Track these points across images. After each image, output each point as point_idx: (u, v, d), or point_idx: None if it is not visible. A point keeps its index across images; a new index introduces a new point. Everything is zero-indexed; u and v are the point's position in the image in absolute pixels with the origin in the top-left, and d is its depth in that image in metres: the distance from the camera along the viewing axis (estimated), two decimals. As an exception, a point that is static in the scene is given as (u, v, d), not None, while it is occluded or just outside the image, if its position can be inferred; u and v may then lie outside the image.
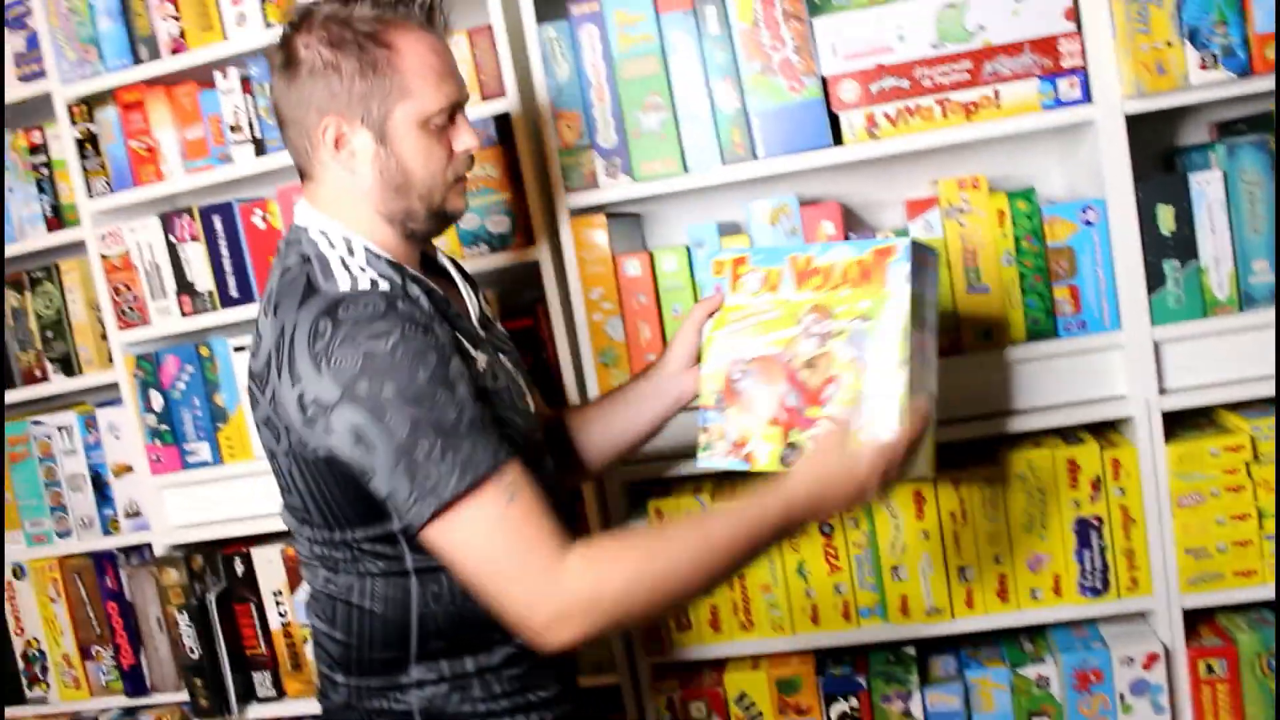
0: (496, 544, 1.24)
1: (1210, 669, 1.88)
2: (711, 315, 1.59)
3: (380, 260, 1.36)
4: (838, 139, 1.87)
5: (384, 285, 1.31)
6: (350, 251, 1.36)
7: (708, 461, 1.57)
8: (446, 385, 1.25)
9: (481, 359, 1.38)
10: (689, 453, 1.97)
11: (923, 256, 1.46)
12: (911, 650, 1.99)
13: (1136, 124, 1.84)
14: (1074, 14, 1.80)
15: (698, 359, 1.61)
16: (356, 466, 1.26)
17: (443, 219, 1.43)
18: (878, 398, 1.41)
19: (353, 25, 1.34)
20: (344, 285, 1.30)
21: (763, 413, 1.51)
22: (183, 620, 2.10)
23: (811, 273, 1.51)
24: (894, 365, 1.41)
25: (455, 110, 1.40)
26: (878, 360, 1.42)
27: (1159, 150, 2.04)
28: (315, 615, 1.46)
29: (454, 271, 1.53)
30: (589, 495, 2.00)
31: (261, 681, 2.15)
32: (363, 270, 1.33)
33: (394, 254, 1.40)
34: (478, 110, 1.97)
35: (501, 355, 1.48)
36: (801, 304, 1.51)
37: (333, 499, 1.32)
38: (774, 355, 1.51)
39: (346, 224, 1.38)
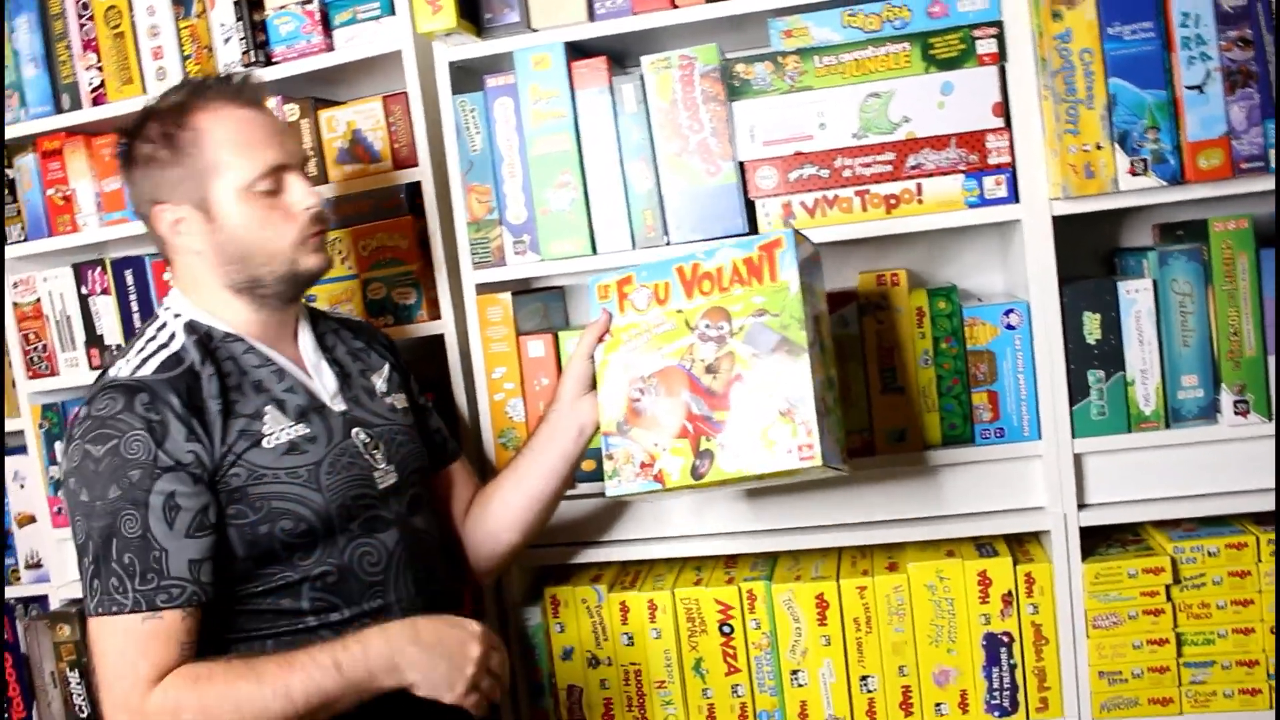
0: (109, 658, 1.33)
1: (1118, 799, 1.79)
2: (601, 340, 1.59)
3: (194, 334, 1.45)
4: (753, 226, 1.80)
5: (150, 369, 1.40)
6: (171, 331, 1.45)
7: (618, 489, 1.54)
8: (136, 506, 1.32)
9: (288, 433, 1.44)
10: (588, 540, 1.93)
11: (806, 247, 1.51)
12: (811, 758, 1.91)
13: (1076, 221, 1.76)
14: (1003, 110, 1.73)
15: (593, 386, 1.59)
16: None
17: (296, 280, 1.49)
18: (786, 385, 1.43)
19: (162, 116, 1.44)
20: (114, 371, 1.41)
21: (668, 427, 1.50)
22: (74, 677, 2.06)
23: (701, 279, 1.52)
24: (798, 352, 1.43)
25: (283, 172, 1.46)
26: (780, 350, 1.44)
27: (1103, 249, 1.96)
28: None
29: (307, 347, 1.56)
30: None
31: (151, 745, 2.11)
32: (160, 348, 1.43)
33: (241, 324, 1.48)
34: (391, 178, 1.92)
35: (356, 429, 1.52)
36: (694, 311, 1.52)
37: None
38: (673, 366, 1.51)
39: (196, 301, 1.48)
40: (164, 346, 1.43)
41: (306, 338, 1.57)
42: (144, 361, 1.41)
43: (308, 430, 1.46)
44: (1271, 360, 1.71)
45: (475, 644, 1.43)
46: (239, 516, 1.40)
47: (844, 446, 1.52)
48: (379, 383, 1.62)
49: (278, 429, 1.43)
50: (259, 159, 1.43)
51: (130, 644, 1.30)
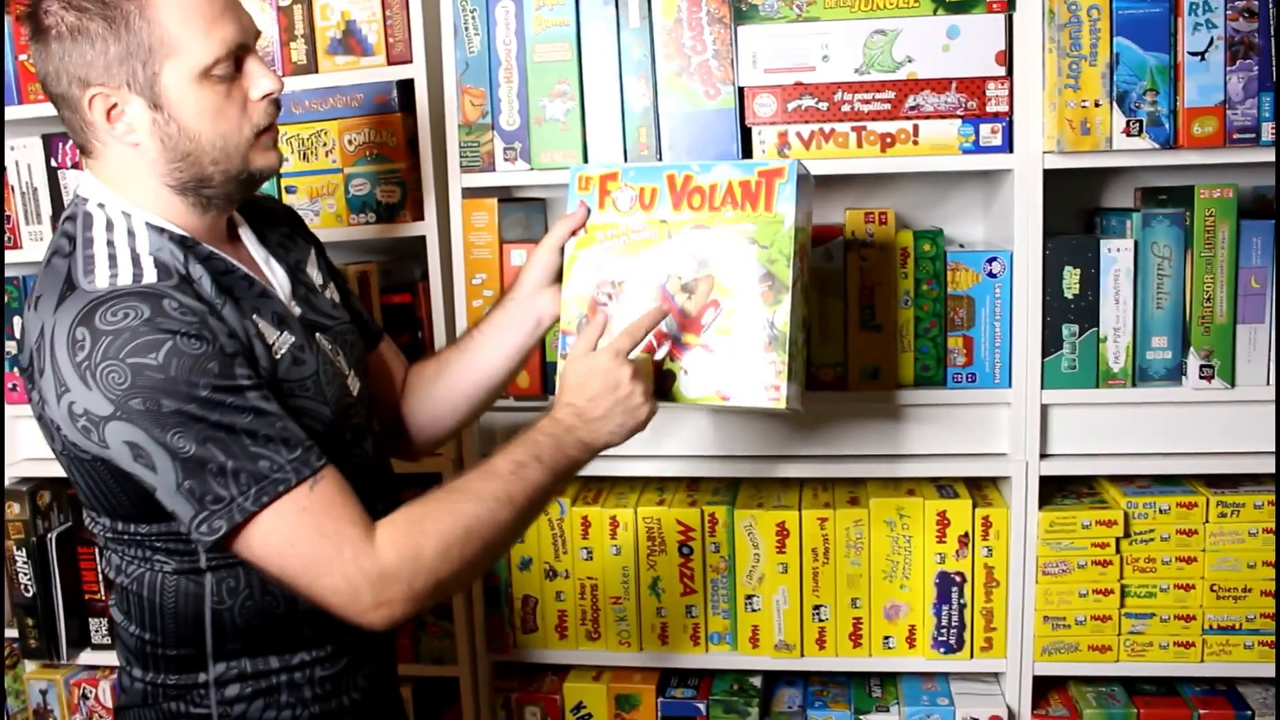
0: (302, 543, 1.17)
1: (1051, 738, 1.86)
2: (575, 234, 1.49)
3: (163, 236, 1.25)
4: (747, 152, 1.80)
5: (151, 276, 1.19)
6: (129, 231, 1.24)
7: None
8: (233, 393, 1.16)
9: (284, 343, 1.28)
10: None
11: (805, 179, 1.44)
12: (757, 681, 1.95)
13: (1063, 177, 1.78)
14: (1006, 59, 1.73)
15: (557, 280, 1.51)
16: (138, 480, 1.18)
17: (247, 181, 1.31)
18: (763, 321, 1.38)
19: None
20: (103, 281, 1.18)
21: None
22: (20, 556, 2.03)
23: (691, 192, 1.45)
24: (781, 289, 1.38)
25: (241, 54, 1.26)
26: (764, 284, 1.39)
27: (1082, 207, 1.98)
28: (113, 604, 1.37)
29: (253, 244, 1.39)
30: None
31: (97, 628, 2.09)
32: (135, 255, 1.22)
33: (187, 227, 1.28)
34: (383, 74, 1.88)
35: (318, 334, 1.37)
36: (679, 224, 1.44)
37: (115, 498, 1.24)
38: (647, 277, 1.44)
39: (131, 198, 1.27)
40: (134, 250, 1.22)
41: (248, 234, 1.39)
42: (136, 266, 1.20)
43: (294, 339, 1.30)
44: (1240, 328, 1.75)
45: (618, 371, 1.33)
46: None
47: (803, 387, 1.47)
48: (315, 275, 1.47)
49: (274, 340, 1.27)
50: (219, 38, 1.22)
51: (318, 514, 1.16)
